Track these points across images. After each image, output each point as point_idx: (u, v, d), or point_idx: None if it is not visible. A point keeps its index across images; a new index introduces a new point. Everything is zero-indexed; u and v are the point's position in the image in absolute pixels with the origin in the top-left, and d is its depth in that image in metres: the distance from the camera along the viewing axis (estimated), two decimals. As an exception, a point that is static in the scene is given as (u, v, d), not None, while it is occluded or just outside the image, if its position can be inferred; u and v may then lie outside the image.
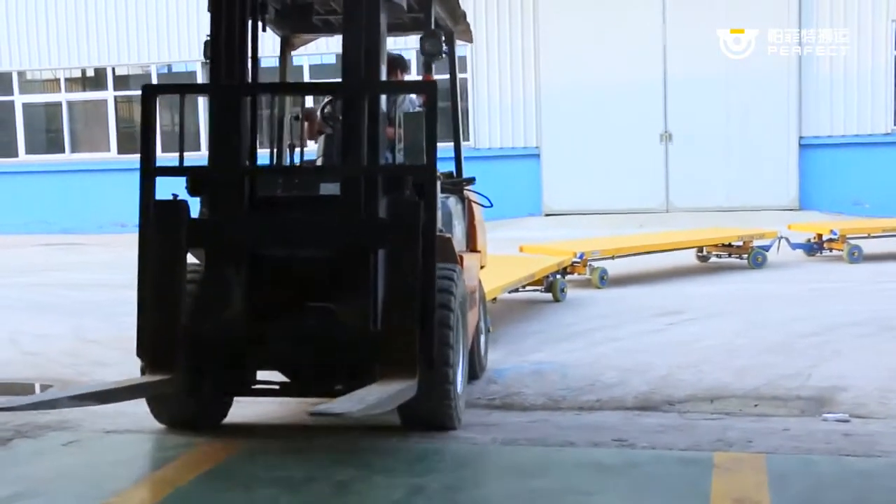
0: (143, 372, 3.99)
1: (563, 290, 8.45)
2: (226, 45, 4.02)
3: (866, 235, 10.68)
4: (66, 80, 17.96)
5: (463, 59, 16.49)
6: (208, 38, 4.12)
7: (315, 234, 4.00)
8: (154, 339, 3.90)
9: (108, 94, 17.46)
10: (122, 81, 17.61)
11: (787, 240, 10.64)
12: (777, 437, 4.14)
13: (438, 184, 4.15)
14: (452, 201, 5.03)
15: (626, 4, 15.35)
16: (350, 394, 3.46)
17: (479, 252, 5.55)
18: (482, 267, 5.71)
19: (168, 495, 3.42)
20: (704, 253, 10.70)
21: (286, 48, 5.37)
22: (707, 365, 5.85)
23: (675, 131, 15.51)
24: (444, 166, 5.30)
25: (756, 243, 10.32)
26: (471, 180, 5.43)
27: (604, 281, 9.14)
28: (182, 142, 4.21)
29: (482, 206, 5.59)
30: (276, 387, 4.25)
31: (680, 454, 3.77)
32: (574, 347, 6.50)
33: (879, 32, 14.87)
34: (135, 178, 4.01)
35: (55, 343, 6.89)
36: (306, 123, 5.33)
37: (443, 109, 16.74)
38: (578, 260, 8.97)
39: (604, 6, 15.38)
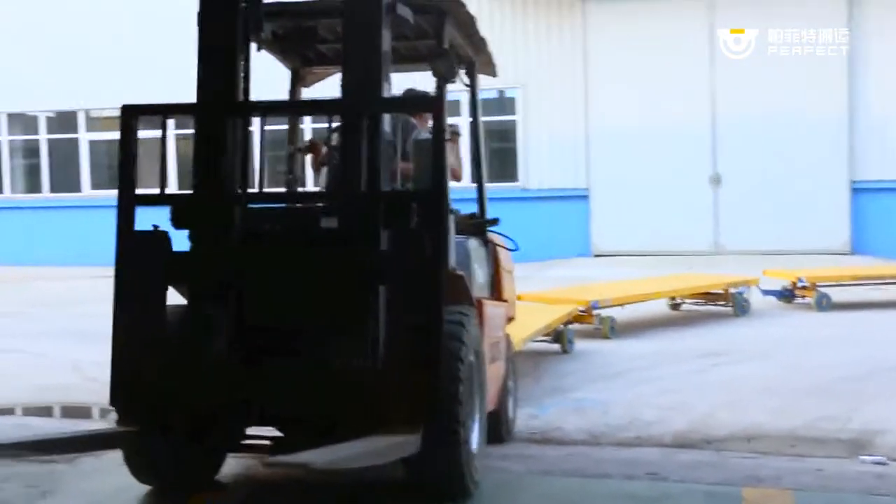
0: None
1: (570, 342, 7.91)
2: (214, 64, 3.67)
3: (835, 283, 10.53)
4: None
5: (513, 100, 16.75)
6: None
7: (309, 269, 3.60)
8: (128, 386, 3.52)
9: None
10: (180, 121, 17.99)
11: (758, 287, 10.45)
12: (809, 476, 4.24)
13: (451, 217, 3.83)
14: (473, 244, 4.65)
15: (675, 47, 15.48)
16: (331, 446, 3.07)
17: (505, 301, 5.06)
18: (510, 319, 5.27)
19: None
20: (677, 301, 10.39)
21: (297, 84, 5.01)
22: (747, 405, 5.93)
23: (724, 173, 15.56)
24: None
25: (734, 290, 10.06)
26: (494, 221, 5.01)
27: (614, 331, 8.62)
28: (164, 169, 3.86)
29: (508, 249, 5.20)
30: (268, 442, 3.81)
31: (710, 488, 3.89)
32: (615, 386, 6.61)
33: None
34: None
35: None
36: (311, 155, 4.96)
37: (495, 151, 16.92)
38: (583, 310, 8.36)
39: (654, 49, 15.52)
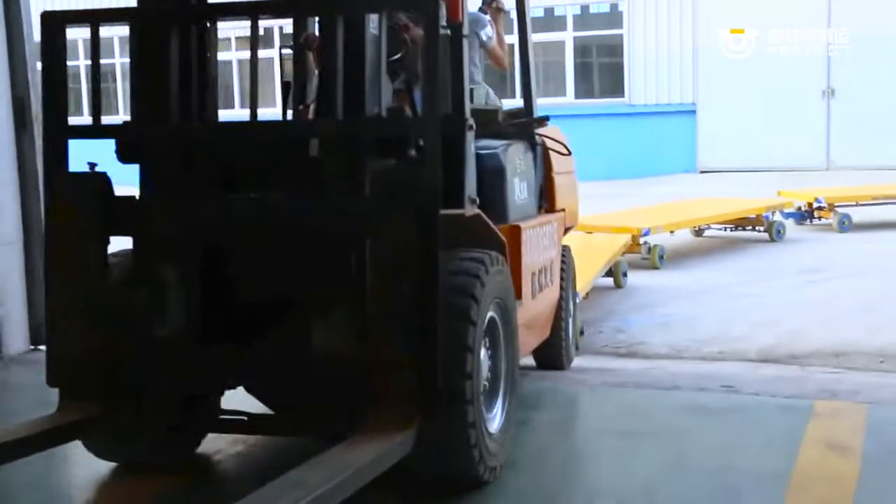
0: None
1: (624, 275, 7.31)
2: None
3: (854, 203, 10.08)
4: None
5: (620, 14, 16.39)
6: None
7: (280, 218, 2.82)
8: (68, 362, 2.86)
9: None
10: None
11: (781, 211, 10.02)
12: (888, 391, 4.18)
13: (470, 136, 3.05)
14: (516, 149, 3.83)
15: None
16: (286, 476, 2.24)
17: (560, 212, 4.35)
18: (568, 229, 4.57)
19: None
20: (700, 227, 9.78)
21: None
22: (839, 322, 5.86)
23: (837, 87, 15.00)
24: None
25: (765, 215, 9.62)
26: (542, 121, 4.20)
27: (662, 260, 8.09)
28: (97, 93, 3.04)
29: (559, 153, 4.36)
30: (244, 418, 3.08)
31: (782, 401, 3.88)
32: (705, 301, 6.60)
33: None
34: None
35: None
36: (311, 53, 3.63)
37: (602, 66, 16.41)
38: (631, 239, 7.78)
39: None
